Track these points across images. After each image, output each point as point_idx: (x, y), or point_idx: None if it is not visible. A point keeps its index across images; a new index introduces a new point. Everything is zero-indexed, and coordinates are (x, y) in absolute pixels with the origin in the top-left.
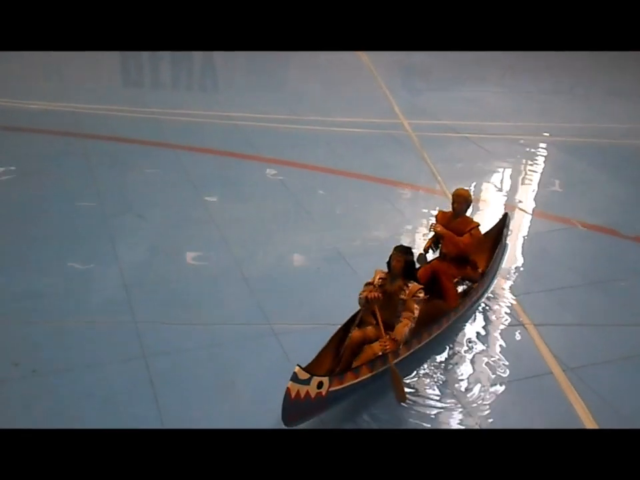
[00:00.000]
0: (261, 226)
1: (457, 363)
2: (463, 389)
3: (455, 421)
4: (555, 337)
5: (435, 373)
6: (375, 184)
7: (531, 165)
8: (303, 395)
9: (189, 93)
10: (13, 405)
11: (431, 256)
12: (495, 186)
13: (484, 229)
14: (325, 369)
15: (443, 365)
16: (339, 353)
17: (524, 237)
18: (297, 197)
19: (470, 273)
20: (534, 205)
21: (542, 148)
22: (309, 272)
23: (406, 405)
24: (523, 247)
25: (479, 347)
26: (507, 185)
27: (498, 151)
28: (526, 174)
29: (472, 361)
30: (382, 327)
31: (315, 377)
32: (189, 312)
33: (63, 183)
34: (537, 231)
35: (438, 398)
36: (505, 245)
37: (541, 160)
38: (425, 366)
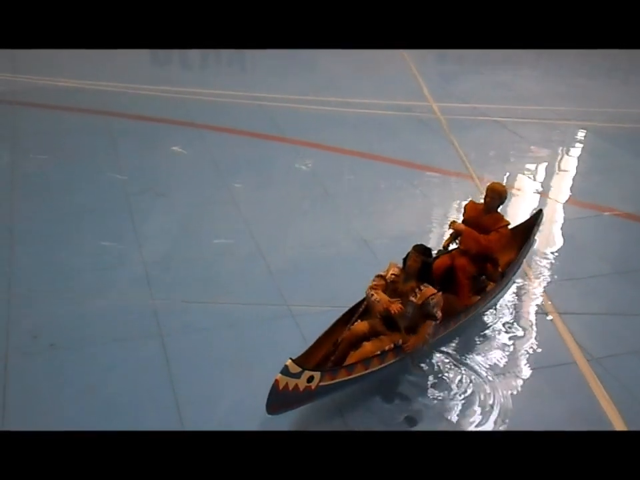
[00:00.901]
0: (284, 208)
1: (479, 350)
2: (483, 377)
3: (474, 409)
4: (580, 326)
5: (457, 359)
6: (402, 167)
7: (563, 150)
8: (291, 388)
9: (215, 73)
10: (29, 377)
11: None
12: (526, 172)
13: (513, 222)
14: (319, 357)
15: (465, 351)
16: (337, 341)
17: (552, 223)
18: (321, 179)
19: (489, 271)
20: (564, 191)
21: (576, 133)
22: (329, 256)
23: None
24: (550, 233)
25: (502, 334)
26: (537, 171)
27: (530, 136)
28: (558, 159)
29: (494, 349)
30: (404, 332)
31: (306, 371)
32: (207, 291)
33: (87, 160)
34: (566, 218)
35: (459, 385)
36: (533, 242)
37: (574, 145)
38: (448, 351)
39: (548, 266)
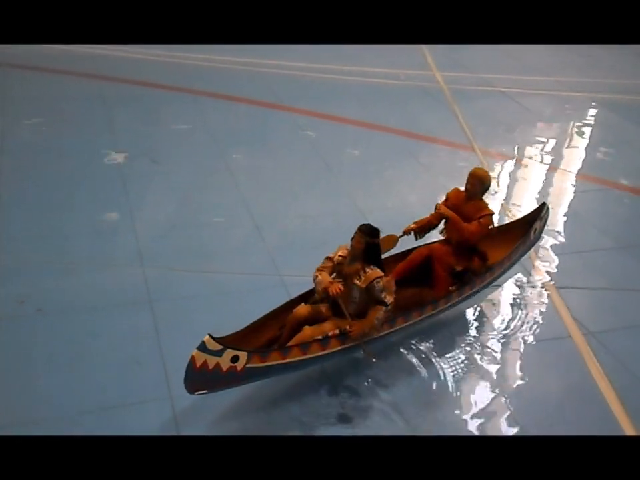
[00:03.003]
0: (281, 178)
1: (472, 322)
2: (476, 350)
3: (469, 386)
4: (577, 300)
5: (448, 331)
6: (403, 138)
7: (572, 123)
8: (211, 366)
9: None
10: (15, 342)
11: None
12: (532, 144)
13: (519, 206)
14: (262, 340)
15: (458, 323)
16: (283, 326)
17: (554, 196)
18: (321, 149)
19: (475, 266)
20: (571, 165)
21: (586, 105)
22: (326, 227)
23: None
24: (552, 206)
25: (497, 306)
26: (544, 144)
27: (538, 108)
28: (566, 132)
29: (488, 321)
30: (348, 315)
31: (228, 350)
32: (198, 260)
33: (80, 126)
34: (569, 191)
35: (453, 358)
36: (535, 239)
37: (583, 118)
38: (441, 324)
39: (547, 239)
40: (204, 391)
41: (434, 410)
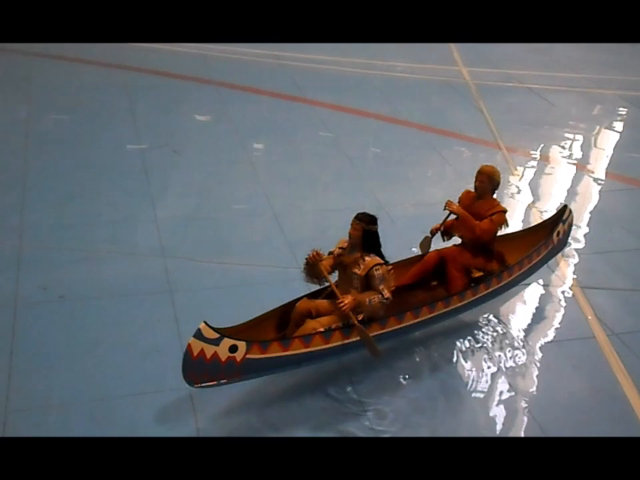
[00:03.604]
0: (302, 172)
1: (495, 321)
2: (499, 349)
3: (491, 386)
4: (602, 300)
5: (471, 330)
6: (427, 133)
7: (600, 120)
8: (209, 356)
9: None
10: (37, 328)
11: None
12: (559, 142)
13: (543, 206)
14: (271, 334)
15: (481, 322)
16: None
17: (581, 195)
18: (343, 143)
19: (491, 267)
20: (598, 163)
21: (615, 103)
22: (346, 221)
23: (380, 361)
24: (577, 205)
25: (521, 305)
26: (571, 142)
27: (564, 105)
28: (594, 130)
29: (511, 320)
30: (337, 291)
31: (226, 338)
32: (218, 251)
33: (103, 115)
34: (596, 190)
35: (475, 358)
36: (561, 244)
37: (612, 116)
38: (463, 324)
39: (572, 238)
40: (204, 384)
41: (454, 409)
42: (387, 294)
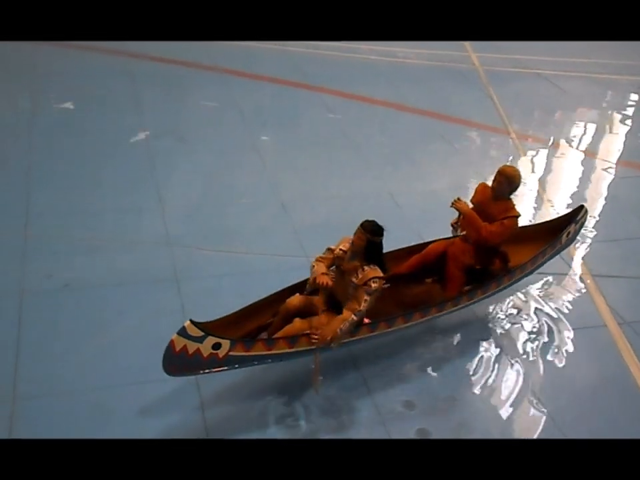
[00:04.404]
0: (309, 159)
1: (505, 309)
2: (510, 339)
3: (500, 374)
4: (614, 289)
5: (480, 319)
6: (435, 120)
7: (610, 106)
8: (191, 351)
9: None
10: (43, 316)
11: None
12: (568, 128)
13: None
14: (251, 327)
15: (491, 310)
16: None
17: (592, 182)
18: (349, 130)
19: (495, 268)
20: (610, 150)
21: (625, 88)
22: (354, 210)
23: (317, 394)
24: (589, 192)
25: (531, 294)
26: (583, 128)
27: (574, 91)
28: (606, 117)
29: (521, 308)
30: (320, 314)
31: (210, 337)
32: (224, 240)
33: (108, 103)
34: (608, 177)
35: (485, 346)
36: (567, 243)
37: (622, 101)
38: (472, 313)
39: (585, 225)
40: (184, 374)
41: (465, 398)
42: (364, 307)
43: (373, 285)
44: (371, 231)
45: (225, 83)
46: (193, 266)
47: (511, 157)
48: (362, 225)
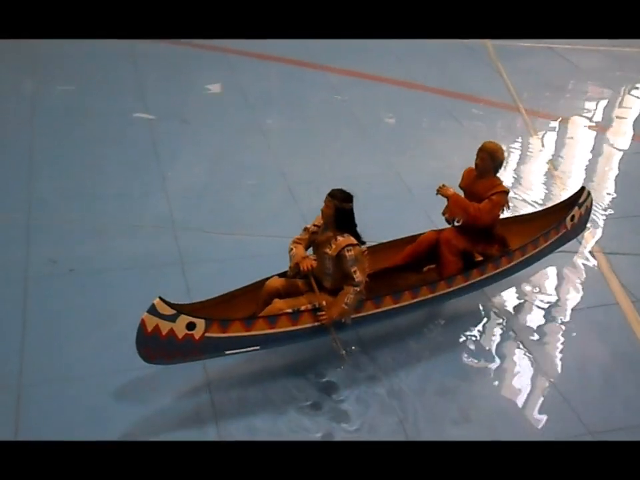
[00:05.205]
0: (315, 139)
1: (516, 289)
2: (522, 319)
3: (511, 355)
4: (626, 266)
5: (494, 300)
6: (443, 98)
7: (623, 81)
8: (164, 332)
9: None
10: (48, 301)
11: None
12: (580, 104)
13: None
14: (237, 315)
15: (502, 289)
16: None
17: (604, 157)
18: (356, 109)
19: (491, 251)
20: (623, 125)
21: (637, 62)
22: (361, 191)
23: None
24: (600, 168)
25: (542, 273)
26: (595, 104)
27: (586, 65)
28: (616, 91)
29: (533, 287)
30: (318, 294)
31: (182, 315)
32: (230, 223)
33: (110, 85)
34: (619, 153)
35: (495, 326)
36: (576, 229)
37: (635, 76)
38: (486, 292)
39: (597, 202)
40: (161, 360)
41: (477, 379)
42: (358, 277)
43: (348, 254)
44: (339, 197)
45: (228, 62)
46: (198, 249)
47: (520, 130)
48: (329, 192)
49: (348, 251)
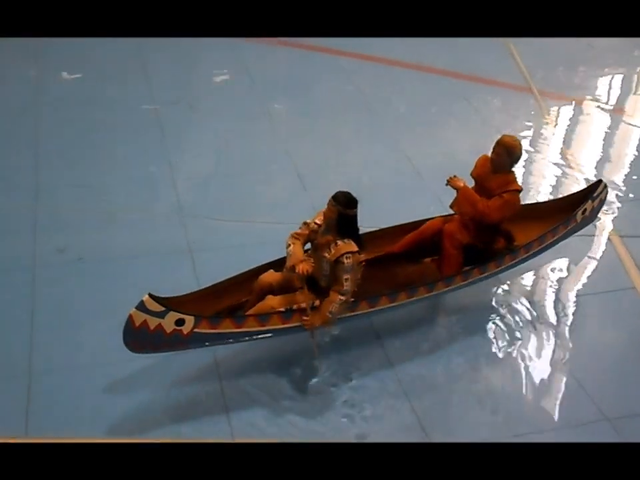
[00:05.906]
0: (324, 125)
1: (530, 273)
2: (537, 305)
3: (526, 340)
4: None
5: (509, 286)
6: (453, 80)
7: (638, 61)
8: (152, 327)
9: None
10: (57, 290)
11: None
12: (594, 85)
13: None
14: (225, 304)
15: (517, 273)
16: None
17: (618, 140)
18: (366, 93)
19: (498, 247)
20: (634, 107)
21: None
22: (371, 177)
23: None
24: (614, 151)
25: (557, 257)
26: (610, 86)
27: (601, 45)
28: (631, 72)
29: (547, 271)
30: (310, 296)
31: (172, 312)
32: (238, 210)
33: (117, 73)
34: (634, 136)
35: (511, 311)
36: (585, 222)
37: None
38: (500, 277)
39: (612, 185)
40: (147, 351)
41: (493, 366)
42: (347, 286)
43: (346, 261)
44: (343, 203)
45: (235, 47)
46: (206, 236)
47: (532, 112)
48: (334, 195)
49: (347, 258)
